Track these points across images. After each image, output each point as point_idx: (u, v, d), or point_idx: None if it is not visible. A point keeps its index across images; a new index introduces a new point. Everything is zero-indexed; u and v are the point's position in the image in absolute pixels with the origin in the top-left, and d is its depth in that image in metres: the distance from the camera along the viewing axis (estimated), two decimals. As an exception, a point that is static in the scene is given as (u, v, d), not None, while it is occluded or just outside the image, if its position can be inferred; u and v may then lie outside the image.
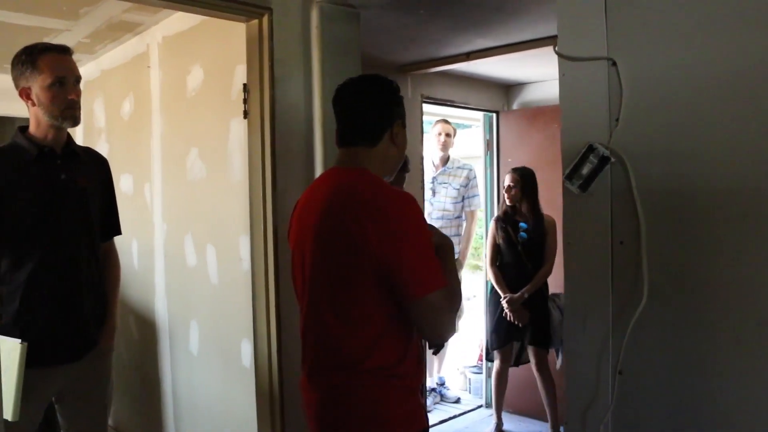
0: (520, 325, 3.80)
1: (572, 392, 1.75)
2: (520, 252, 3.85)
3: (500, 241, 3.95)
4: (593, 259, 1.66)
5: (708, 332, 1.48)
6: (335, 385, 1.58)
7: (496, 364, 4.07)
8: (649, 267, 1.55)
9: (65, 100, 2.11)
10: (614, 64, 1.60)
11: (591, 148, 1.59)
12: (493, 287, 4.00)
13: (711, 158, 1.48)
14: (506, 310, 3.83)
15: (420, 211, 1.54)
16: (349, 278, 1.53)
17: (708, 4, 1.47)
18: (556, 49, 1.71)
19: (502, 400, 4.12)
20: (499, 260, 4.00)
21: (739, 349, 1.44)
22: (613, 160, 1.58)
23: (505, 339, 3.94)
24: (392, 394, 1.56)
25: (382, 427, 1.55)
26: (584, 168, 1.59)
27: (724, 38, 1.45)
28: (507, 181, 3.89)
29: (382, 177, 1.63)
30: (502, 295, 3.88)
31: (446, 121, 4.81)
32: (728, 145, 1.45)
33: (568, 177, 1.63)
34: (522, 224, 3.85)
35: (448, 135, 4.72)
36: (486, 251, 4.07)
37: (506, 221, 3.92)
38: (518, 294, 3.79)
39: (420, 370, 1.67)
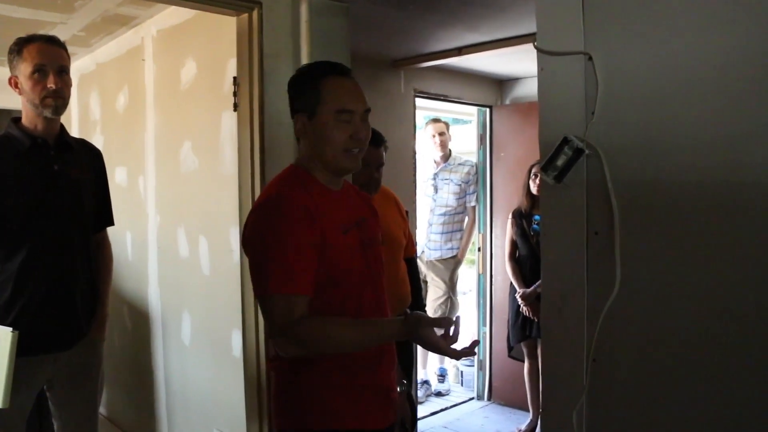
0: (536, 319, 3.76)
1: (548, 379, 1.79)
2: (533, 245, 3.83)
3: (515, 235, 3.95)
4: (569, 249, 1.70)
5: (677, 321, 1.52)
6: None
7: (526, 361, 4.03)
8: (621, 257, 1.58)
9: (44, 88, 2.14)
10: (590, 58, 1.63)
11: (566, 140, 1.62)
12: (510, 282, 4.00)
13: (683, 152, 1.51)
14: (521, 306, 3.85)
15: (282, 215, 1.52)
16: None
17: (682, 1, 1.50)
18: (535, 43, 1.74)
19: (536, 397, 3.98)
20: (516, 254, 4.00)
21: (706, 338, 1.48)
22: (587, 152, 1.61)
23: (522, 333, 3.94)
24: (298, 384, 1.61)
25: (291, 413, 1.62)
26: (559, 160, 1.63)
27: (698, 34, 1.48)
28: (536, 170, 3.79)
29: (323, 169, 1.64)
30: (517, 290, 3.89)
31: (436, 120, 4.82)
32: (699, 139, 1.48)
33: (544, 168, 1.67)
34: (536, 217, 3.81)
35: (441, 134, 4.73)
36: (505, 245, 4.09)
37: (521, 214, 3.92)
38: (531, 289, 3.79)
39: (373, 367, 1.65)
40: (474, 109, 4.88)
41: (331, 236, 1.55)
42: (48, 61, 2.15)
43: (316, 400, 1.58)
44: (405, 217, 3.05)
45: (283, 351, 1.51)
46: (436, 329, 1.49)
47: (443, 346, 1.48)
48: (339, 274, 1.56)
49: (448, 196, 4.73)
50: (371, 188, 2.69)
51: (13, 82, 2.19)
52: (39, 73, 2.13)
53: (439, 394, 4.86)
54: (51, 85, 2.14)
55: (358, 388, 1.60)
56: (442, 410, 4.58)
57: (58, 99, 2.18)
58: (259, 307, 2.53)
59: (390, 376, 1.70)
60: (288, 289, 1.46)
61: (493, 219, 4.78)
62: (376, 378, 1.64)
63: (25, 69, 2.14)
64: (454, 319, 1.55)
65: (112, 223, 2.56)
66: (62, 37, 2.34)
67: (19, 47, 2.15)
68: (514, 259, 3.99)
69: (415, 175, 4.35)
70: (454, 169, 4.75)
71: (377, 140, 2.63)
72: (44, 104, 2.16)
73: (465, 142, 7.02)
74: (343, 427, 1.58)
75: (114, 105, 3.76)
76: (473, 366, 4.91)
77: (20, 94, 2.18)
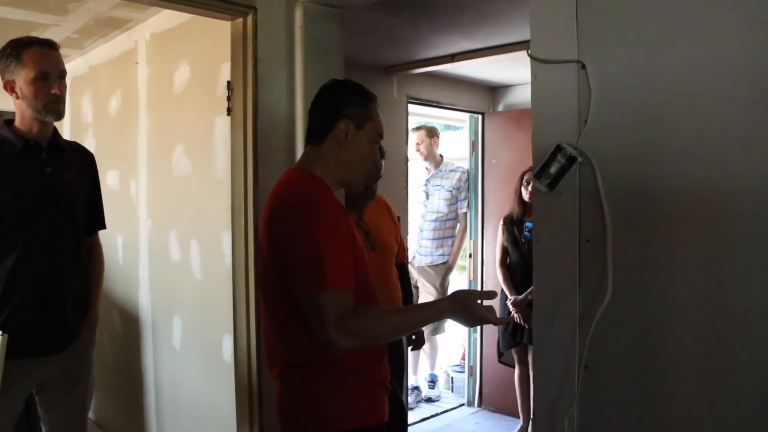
0: (527, 326, 3.76)
1: (540, 386, 1.79)
2: (524, 252, 3.84)
3: (506, 241, 3.96)
4: (561, 257, 1.70)
5: (668, 328, 1.53)
6: (279, 379, 1.70)
7: (516, 367, 4.04)
8: (613, 265, 1.59)
9: (48, 94, 2.14)
10: (584, 67, 1.65)
11: (559, 148, 1.63)
12: (501, 289, 3.99)
13: (675, 160, 1.52)
14: (512, 312, 3.84)
15: (330, 214, 1.55)
16: (275, 281, 1.62)
17: (674, 12, 1.52)
18: (529, 51, 1.75)
19: (526, 403, 4.01)
20: (507, 260, 4.00)
21: (697, 346, 1.49)
22: (580, 160, 1.62)
23: (512, 340, 3.94)
24: (320, 389, 1.61)
25: (315, 419, 1.62)
26: (552, 167, 1.63)
27: (690, 44, 1.49)
28: (528, 177, 3.79)
29: (335, 178, 1.69)
30: (508, 296, 3.90)
31: (418, 128, 4.82)
32: (691, 147, 1.50)
33: (537, 176, 1.67)
34: (527, 224, 3.81)
35: (418, 143, 4.73)
36: (496, 252, 4.09)
37: (512, 221, 3.93)
38: (522, 296, 3.79)
39: (378, 364, 1.71)
40: (466, 116, 4.90)
41: (354, 236, 1.64)
42: (50, 67, 2.15)
43: (340, 401, 1.61)
44: (396, 223, 3.06)
45: (338, 346, 1.49)
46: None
47: (492, 317, 1.58)
48: (358, 272, 1.60)
49: (439, 202, 4.74)
50: (367, 199, 2.71)
51: (10, 87, 2.17)
52: (42, 79, 2.13)
53: (429, 400, 4.85)
54: (55, 91, 2.14)
55: (370, 386, 1.67)
56: (432, 416, 4.58)
57: (61, 104, 2.19)
58: (251, 311, 2.54)
59: (387, 370, 1.75)
60: (342, 284, 1.50)
61: (485, 225, 4.79)
62: (381, 374, 1.70)
63: (26, 74, 2.12)
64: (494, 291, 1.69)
65: (103, 227, 2.55)
66: (55, 39, 2.34)
67: (17, 52, 2.13)
68: (505, 265, 3.99)
69: (407, 180, 4.35)
70: (445, 175, 4.76)
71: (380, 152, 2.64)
72: (48, 109, 2.16)
73: (457, 149, 7.05)
74: (363, 423, 1.63)
75: (107, 108, 3.75)
76: (464, 372, 4.92)
77: (17, 98, 2.17)
